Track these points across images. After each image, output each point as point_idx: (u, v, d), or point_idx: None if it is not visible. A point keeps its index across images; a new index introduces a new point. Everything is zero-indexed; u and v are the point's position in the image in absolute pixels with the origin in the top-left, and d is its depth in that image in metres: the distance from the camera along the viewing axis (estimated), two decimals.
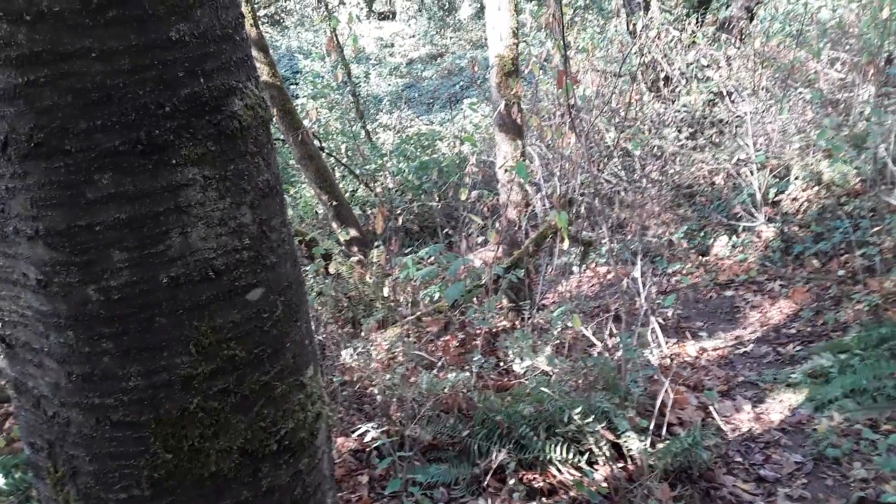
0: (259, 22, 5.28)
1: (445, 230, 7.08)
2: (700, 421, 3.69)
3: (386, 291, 4.85)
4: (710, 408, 3.86)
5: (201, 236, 1.00)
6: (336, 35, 9.27)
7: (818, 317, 4.85)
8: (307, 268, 4.87)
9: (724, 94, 7.47)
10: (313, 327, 4.34)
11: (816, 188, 6.09)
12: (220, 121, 0.99)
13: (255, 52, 5.18)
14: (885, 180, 5.38)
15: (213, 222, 1.00)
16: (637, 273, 4.36)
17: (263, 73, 5.28)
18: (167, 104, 0.94)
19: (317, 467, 1.30)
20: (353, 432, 3.31)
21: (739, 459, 3.44)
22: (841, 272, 5.20)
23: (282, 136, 5.88)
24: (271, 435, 1.16)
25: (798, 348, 4.56)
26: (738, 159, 6.98)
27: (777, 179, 6.56)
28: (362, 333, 4.40)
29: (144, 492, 1.09)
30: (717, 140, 7.68)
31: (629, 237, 6.93)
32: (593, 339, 4.09)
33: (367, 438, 3.05)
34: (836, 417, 3.54)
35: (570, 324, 4.09)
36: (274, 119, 5.69)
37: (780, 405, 3.89)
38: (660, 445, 3.21)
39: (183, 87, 0.95)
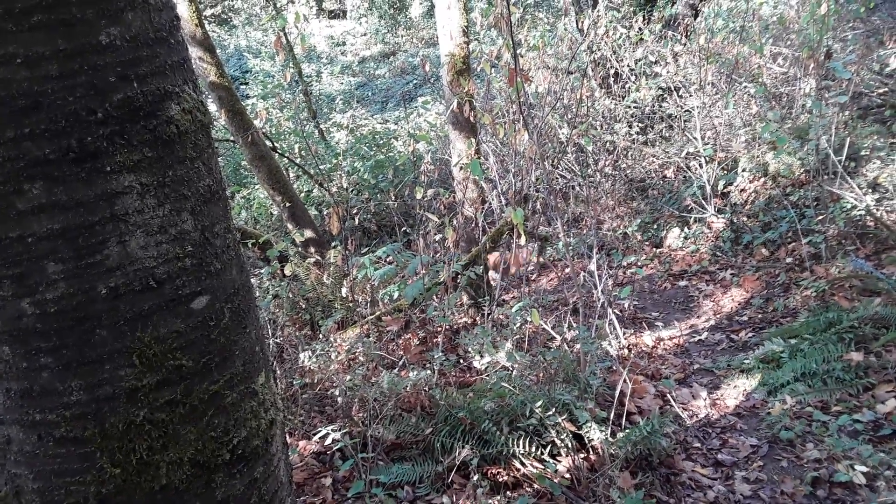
0: (205, 21, 5.18)
1: (403, 229, 7.07)
2: (658, 409, 3.76)
3: (344, 292, 4.82)
4: (668, 396, 3.94)
5: (140, 245, 0.97)
6: (285, 34, 9.16)
7: (768, 304, 4.99)
8: (262, 270, 4.80)
9: (672, 89, 7.62)
10: (270, 330, 4.24)
11: (763, 179, 6.27)
12: (156, 126, 0.97)
13: (200, 53, 5.08)
14: (827, 170, 5.56)
15: (153, 230, 0.98)
16: (593, 266, 4.42)
17: (210, 74, 5.18)
18: (99, 110, 0.91)
19: (273, 474, 1.28)
20: (314, 435, 3.28)
21: (697, 445, 3.52)
22: (789, 260, 5.36)
23: (232, 138, 5.79)
24: (223, 444, 1.14)
25: (750, 335, 4.68)
26: (688, 153, 7.13)
27: (725, 172, 6.72)
28: (321, 335, 4.36)
29: None
30: (667, 134, 7.83)
31: (585, 231, 7.02)
32: (552, 332, 4.14)
33: (328, 441, 3.03)
34: (788, 401, 3.64)
35: (529, 318, 4.12)
36: (223, 120, 5.59)
37: (735, 391, 3.99)
38: (620, 434, 3.26)
39: (115, 92, 0.92)
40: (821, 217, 5.36)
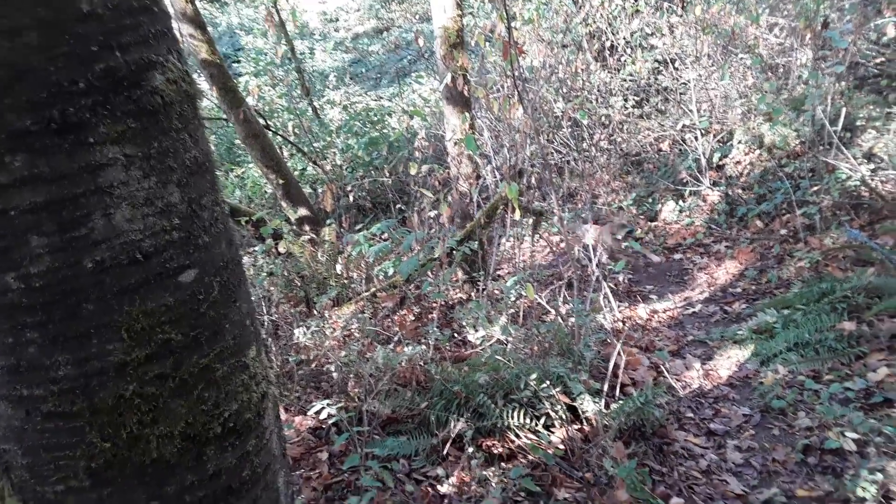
0: None
1: (397, 205, 7.04)
2: (652, 380, 3.79)
3: (339, 269, 4.82)
4: (662, 367, 3.97)
5: (126, 217, 0.96)
6: (277, 10, 9.03)
7: (762, 275, 5.01)
8: (256, 248, 4.79)
9: (668, 61, 7.56)
10: (265, 307, 4.22)
11: (758, 151, 6.25)
12: (141, 96, 0.95)
13: (191, 30, 5.01)
14: (822, 141, 5.55)
15: (139, 203, 0.97)
16: (588, 240, 4.42)
17: (202, 51, 5.12)
18: (81, 80, 0.89)
19: (265, 448, 1.28)
20: (310, 410, 3.30)
21: (690, 415, 3.55)
22: (783, 231, 5.37)
23: (224, 116, 5.73)
24: (214, 418, 1.14)
25: (744, 306, 4.71)
26: (683, 125, 7.10)
27: (720, 144, 6.70)
28: (316, 312, 4.37)
29: (83, 482, 1.06)
30: (663, 107, 7.79)
31: (580, 206, 7.01)
32: (547, 306, 4.15)
33: (324, 415, 3.05)
34: (780, 370, 3.67)
35: (523, 293, 4.13)
36: (215, 98, 5.54)
37: (728, 361, 4.02)
38: (613, 406, 3.29)
39: (98, 61, 0.90)
40: (816, 188, 5.36)
